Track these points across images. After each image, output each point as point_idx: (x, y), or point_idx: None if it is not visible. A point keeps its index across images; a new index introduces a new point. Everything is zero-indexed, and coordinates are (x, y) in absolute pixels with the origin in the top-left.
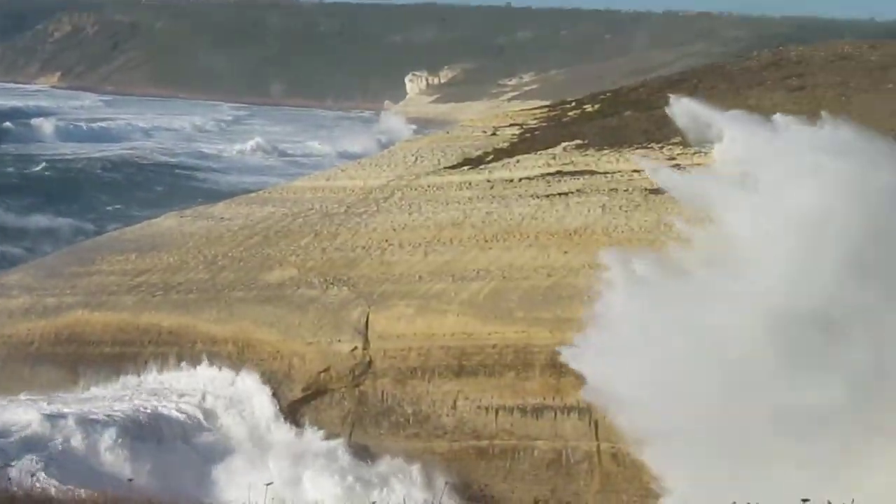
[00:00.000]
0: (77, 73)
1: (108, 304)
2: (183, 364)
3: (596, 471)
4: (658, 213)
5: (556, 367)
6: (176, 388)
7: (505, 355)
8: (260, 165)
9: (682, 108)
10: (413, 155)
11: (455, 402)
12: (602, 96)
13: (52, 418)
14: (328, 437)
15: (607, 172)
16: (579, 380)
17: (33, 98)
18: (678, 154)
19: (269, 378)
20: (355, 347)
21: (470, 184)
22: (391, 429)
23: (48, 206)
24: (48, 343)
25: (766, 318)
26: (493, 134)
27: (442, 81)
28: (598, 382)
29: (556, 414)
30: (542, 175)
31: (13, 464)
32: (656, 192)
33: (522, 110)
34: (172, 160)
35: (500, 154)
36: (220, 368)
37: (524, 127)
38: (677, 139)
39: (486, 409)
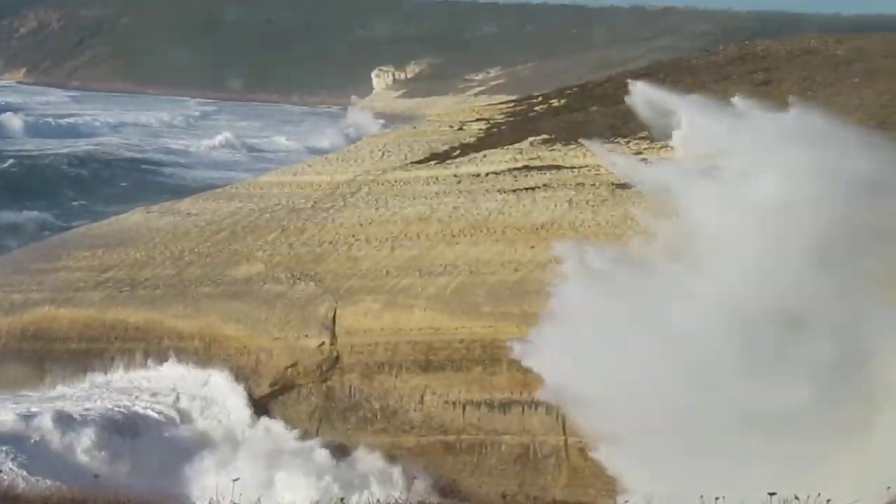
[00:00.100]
0: (43, 68)
1: (75, 300)
2: (151, 361)
3: (563, 465)
4: (625, 208)
5: None
6: (147, 388)
7: (472, 350)
8: (227, 161)
9: (640, 95)
10: (380, 150)
11: (422, 397)
12: (568, 91)
13: (27, 417)
14: (303, 436)
15: (574, 167)
16: None
17: (0, 94)
18: (645, 149)
19: (237, 374)
20: (322, 343)
21: (437, 179)
22: (359, 424)
23: (13, 202)
24: (14, 339)
25: (729, 313)
26: (460, 129)
27: (408, 76)
28: (552, 380)
29: (523, 409)
30: (509, 170)
31: None
32: (623, 186)
33: (489, 105)
34: (139, 156)
35: (466, 149)
36: (190, 366)
37: (491, 122)
38: (644, 134)
39: (454, 403)
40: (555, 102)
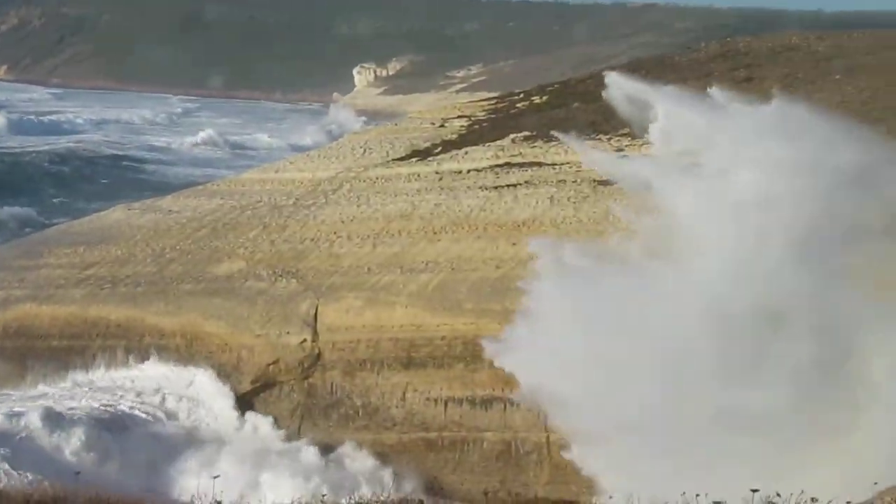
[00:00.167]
0: (24, 66)
1: (57, 297)
2: (133, 359)
3: (545, 462)
4: (607, 204)
5: None
6: (131, 387)
7: (454, 347)
8: (209, 158)
9: (617, 88)
10: (361, 147)
11: (404, 393)
12: (550, 88)
13: (13, 416)
14: (288, 436)
15: (555, 164)
16: None
17: None
18: (627, 145)
19: (219, 371)
20: (304, 340)
21: (418, 175)
22: (340, 421)
23: None
24: None
25: (708, 311)
26: (442, 126)
27: (390, 73)
28: (526, 379)
29: (505, 405)
30: (491, 167)
31: None
32: (605, 183)
33: (471, 102)
34: (121, 153)
35: (448, 146)
36: (172, 365)
37: (472, 119)
38: (626, 130)
39: (436, 400)
40: (536, 99)
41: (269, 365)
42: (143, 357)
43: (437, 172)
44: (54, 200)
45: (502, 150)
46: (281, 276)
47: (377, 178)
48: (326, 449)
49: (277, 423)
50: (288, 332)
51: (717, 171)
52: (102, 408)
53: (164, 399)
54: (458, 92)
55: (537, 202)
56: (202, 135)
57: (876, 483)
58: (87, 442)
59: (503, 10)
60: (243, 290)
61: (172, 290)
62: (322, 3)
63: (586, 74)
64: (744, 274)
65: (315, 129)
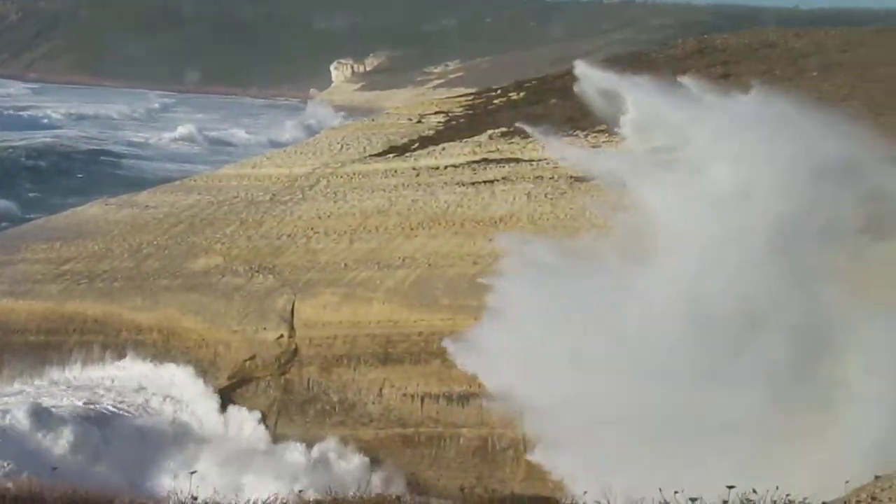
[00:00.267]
0: (1, 60)
1: (33, 292)
2: (111, 355)
3: (522, 458)
4: (584, 201)
5: None
6: (112, 386)
7: (431, 343)
8: (186, 153)
9: (587, 80)
10: (338, 143)
11: (381, 389)
12: (527, 84)
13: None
14: (274, 438)
15: (532, 160)
16: None
17: None
18: (604, 142)
19: (196, 367)
20: (281, 335)
21: (395, 171)
22: (317, 417)
23: None
24: None
25: (683, 309)
26: (419, 122)
27: (367, 69)
28: (489, 381)
29: (482, 402)
30: (468, 163)
31: None
32: (582, 179)
33: (448, 98)
34: (98, 148)
35: (425, 142)
36: (150, 363)
37: (449, 115)
38: (602, 126)
39: (412, 396)
40: (513, 95)
41: (245, 361)
42: (120, 353)
43: (414, 168)
44: (31, 195)
45: (479, 146)
46: (258, 271)
47: (354, 174)
48: (308, 445)
49: (265, 419)
50: (265, 328)
51: (692, 166)
52: (86, 405)
53: (147, 400)
54: (435, 88)
55: (514, 198)
56: (180, 130)
57: (847, 481)
58: (74, 441)
59: (480, 6)
60: (220, 285)
61: (149, 286)
62: None
63: (563, 71)
64: (719, 272)
65: (293, 125)
